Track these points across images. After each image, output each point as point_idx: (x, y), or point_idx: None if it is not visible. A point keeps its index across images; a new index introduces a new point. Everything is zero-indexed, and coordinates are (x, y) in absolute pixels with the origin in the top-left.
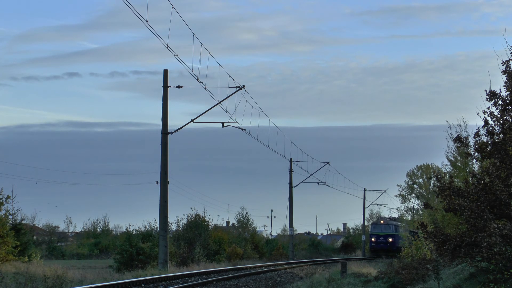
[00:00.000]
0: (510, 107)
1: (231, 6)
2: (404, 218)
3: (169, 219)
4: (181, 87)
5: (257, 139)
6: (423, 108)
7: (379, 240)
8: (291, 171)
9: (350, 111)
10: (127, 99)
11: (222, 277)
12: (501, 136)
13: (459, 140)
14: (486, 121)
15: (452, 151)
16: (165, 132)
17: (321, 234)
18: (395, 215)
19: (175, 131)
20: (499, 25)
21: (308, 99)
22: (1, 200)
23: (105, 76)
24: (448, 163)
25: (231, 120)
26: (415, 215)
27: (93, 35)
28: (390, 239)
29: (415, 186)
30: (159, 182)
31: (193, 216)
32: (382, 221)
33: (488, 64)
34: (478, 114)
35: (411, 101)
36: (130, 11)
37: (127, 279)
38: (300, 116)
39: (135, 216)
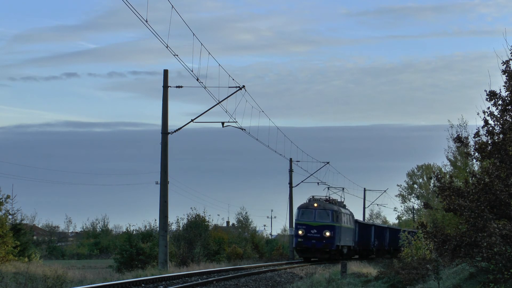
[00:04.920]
0: (510, 107)
1: (228, 6)
2: (403, 218)
3: (169, 219)
4: (181, 87)
5: (257, 139)
6: (421, 108)
7: (309, 235)
8: (291, 171)
9: (348, 111)
10: (126, 99)
11: (222, 277)
12: (501, 136)
13: (459, 140)
14: (486, 121)
15: (452, 151)
16: (165, 132)
17: None
18: (392, 214)
19: (175, 131)
20: (496, 26)
21: (306, 99)
22: (0, 200)
23: (103, 76)
24: (448, 163)
25: (231, 120)
26: (415, 215)
27: (91, 36)
28: (327, 233)
29: (415, 186)
30: (159, 182)
31: (193, 216)
32: (315, 204)
33: (485, 64)
34: (478, 114)
35: (409, 101)
36: (128, 11)
37: (127, 279)
38: (298, 116)
39: (135, 216)
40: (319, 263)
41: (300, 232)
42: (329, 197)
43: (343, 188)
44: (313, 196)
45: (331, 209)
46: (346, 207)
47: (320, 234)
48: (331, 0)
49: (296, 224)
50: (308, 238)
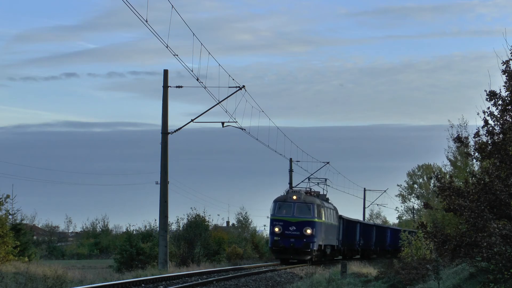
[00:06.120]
0: (510, 107)
1: (227, 6)
2: (403, 218)
3: (169, 219)
4: (181, 87)
5: (257, 139)
6: (420, 108)
7: (287, 232)
8: (291, 171)
9: (347, 111)
10: (125, 99)
11: (222, 277)
12: (501, 136)
13: (459, 140)
14: (486, 121)
15: (453, 151)
16: (165, 132)
17: None
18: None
19: (175, 131)
20: (495, 26)
21: (305, 99)
22: (0, 200)
23: (103, 76)
24: (448, 163)
25: (231, 120)
26: (415, 215)
27: (90, 36)
28: (308, 231)
29: (416, 186)
30: (159, 182)
31: (193, 216)
32: (295, 196)
33: (484, 64)
34: (478, 114)
35: (408, 101)
36: (128, 11)
37: (127, 279)
38: (297, 116)
39: (135, 216)
40: (328, 264)
41: (276, 229)
42: (310, 188)
43: (325, 179)
44: (291, 188)
45: (312, 202)
46: (330, 201)
47: (300, 231)
48: (331, 0)
49: (271, 220)
50: (285, 236)
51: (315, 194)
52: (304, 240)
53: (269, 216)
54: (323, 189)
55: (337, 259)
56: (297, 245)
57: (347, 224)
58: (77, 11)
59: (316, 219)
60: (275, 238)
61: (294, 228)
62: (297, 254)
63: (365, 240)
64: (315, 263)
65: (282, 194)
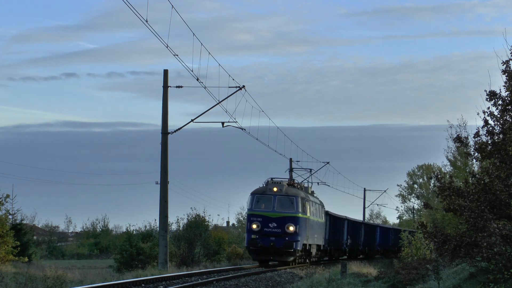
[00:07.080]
0: (510, 107)
1: (226, 6)
2: (404, 218)
3: (169, 219)
4: (181, 87)
5: (257, 139)
6: (420, 108)
7: (267, 230)
8: (291, 171)
9: (346, 111)
10: (125, 99)
11: (222, 277)
12: (501, 136)
13: (459, 140)
14: (486, 121)
15: (452, 151)
16: (165, 132)
17: None
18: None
19: (175, 131)
20: (494, 26)
21: (305, 99)
22: (0, 200)
23: (102, 76)
24: (448, 163)
25: (231, 120)
26: (415, 215)
27: (90, 36)
28: (291, 228)
29: (416, 186)
30: (159, 182)
31: (193, 216)
32: (275, 188)
33: (484, 64)
34: (478, 114)
35: (408, 102)
36: (127, 11)
37: (127, 279)
38: (297, 116)
39: (135, 216)
40: (328, 264)
41: (254, 226)
42: (294, 180)
43: (310, 170)
44: (271, 178)
45: (296, 195)
46: (315, 195)
47: (281, 229)
48: (330, 0)
49: (248, 215)
50: (265, 234)
51: (298, 186)
52: (286, 238)
53: (246, 211)
54: (308, 181)
55: (323, 261)
56: (278, 244)
57: (334, 221)
58: (77, 11)
59: (300, 215)
60: (253, 236)
61: (275, 224)
62: (278, 255)
63: (353, 239)
64: (314, 264)
65: (261, 185)
